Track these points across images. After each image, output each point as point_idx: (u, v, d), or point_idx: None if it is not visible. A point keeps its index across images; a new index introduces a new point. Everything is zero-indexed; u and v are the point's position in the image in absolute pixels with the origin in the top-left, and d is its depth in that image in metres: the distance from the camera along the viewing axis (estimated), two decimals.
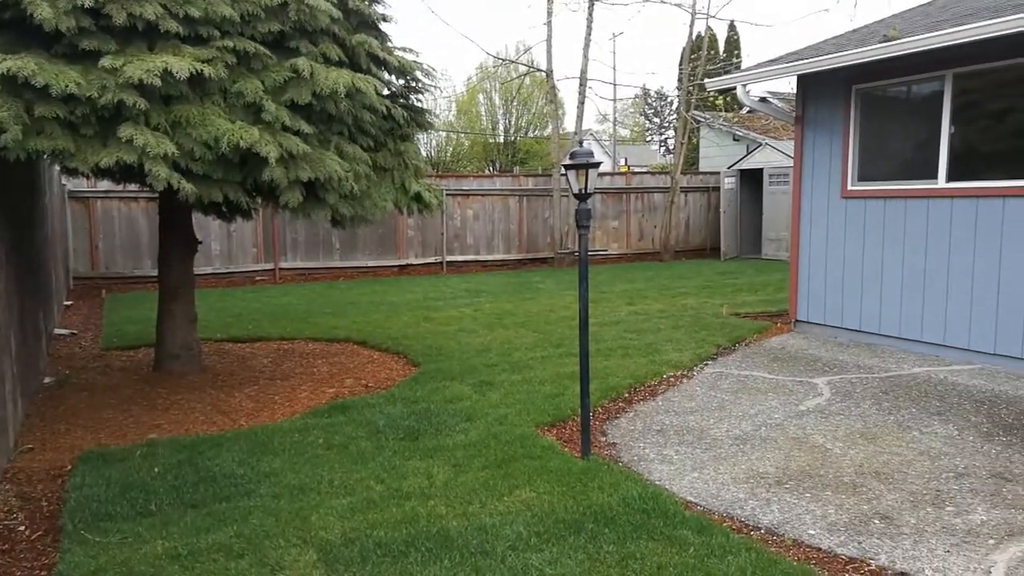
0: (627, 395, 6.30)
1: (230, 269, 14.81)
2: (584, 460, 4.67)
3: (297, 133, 5.26)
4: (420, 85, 6.78)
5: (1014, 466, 4.46)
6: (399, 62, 6.23)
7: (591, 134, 55.73)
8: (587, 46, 17.12)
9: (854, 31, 8.80)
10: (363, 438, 5.10)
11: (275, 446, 4.94)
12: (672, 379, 6.78)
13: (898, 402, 5.82)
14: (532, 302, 11.55)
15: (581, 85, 17.22)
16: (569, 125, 28.39)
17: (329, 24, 5.60)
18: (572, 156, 4.56)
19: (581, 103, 17.30)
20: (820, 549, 3.57)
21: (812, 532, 3.74)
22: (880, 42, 6.84)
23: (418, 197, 6.62)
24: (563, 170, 5.16)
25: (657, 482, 4.45)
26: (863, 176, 7.94)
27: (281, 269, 15.27)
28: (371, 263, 16.14)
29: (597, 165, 4.54)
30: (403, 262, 16.48)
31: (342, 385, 6.68)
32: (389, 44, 6.48)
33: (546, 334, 8.77)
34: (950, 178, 7.07)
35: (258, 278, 15.05)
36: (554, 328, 9.14)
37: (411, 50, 6.66)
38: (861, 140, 7.93)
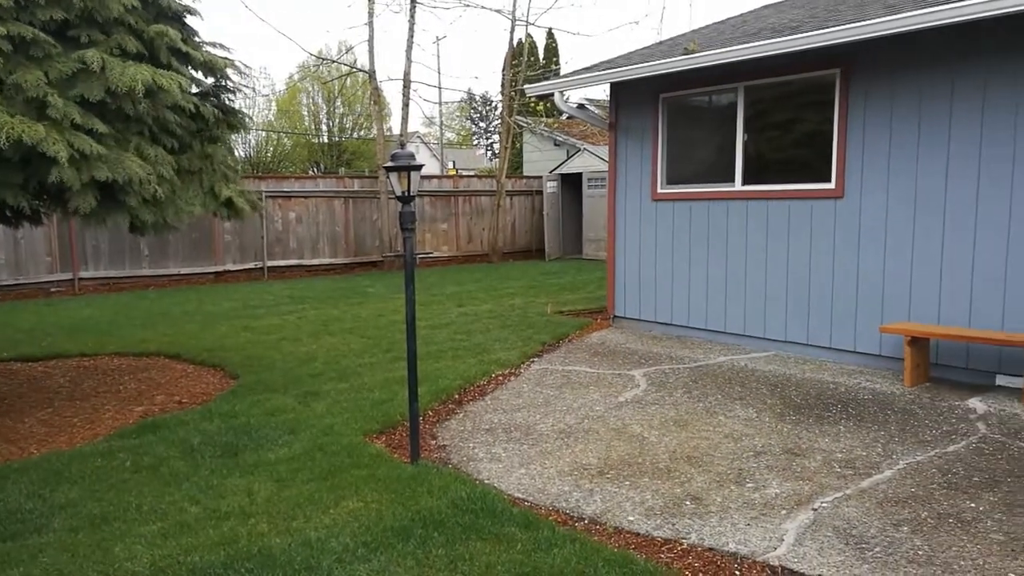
0: (457, 396, 6.34)
1: (19, 281, 13.33)
2: (413, 465, 4.64)
3: (90, 132, 4.82)
4: (232, 84, 6.43)
5: (802, 442, 4.94)
6: (206, 58, 5.87)
7: (418, 137, 55.59)
8: (410, 48, 17.07)
9: (660, 43, 9.40)
10: (176, 458, 4.76)
11: (72, 473, 4.50)
12: (501, 378, 6.90)
13: (706, 390, 6.27)
14: (361, 307, 11.34)
15: (405, 87, 17.14)
16: (396, 127, 28.17)
17: (122, 14, 5.16)
18: (393, 158, 4.51)
19: (405, 105, 17.22)
20: (639, 534, 3.76)
21: (632, 518, 3.93)
22: (681, 55, 7.35)
23: (229, 203, 6.29)
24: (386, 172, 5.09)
25: (486, 481, 4.50)
26: (671, 180, 8.49)
27: (81, 279, 13.96)
28: (185, 270, 15.15)
29: (419, 167, 4.52)
30: (220, 268, 15.61)
31: (152, 402, 6.20)
32: (196, 39, 6.10)
33: (375, 339, 8.64)
34: (745, 181, 7.73)
35: (54, 290, 13.66)
36: (384, 333, 9.02)
37: (222, 46, 6.31)
38: (669, 146, 8.48)
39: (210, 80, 6.28)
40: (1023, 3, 5.13)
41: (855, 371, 6.72)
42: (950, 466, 4.42)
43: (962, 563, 3.31)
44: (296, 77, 34.10)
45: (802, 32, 6.44)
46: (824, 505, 3.95)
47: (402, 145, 4.98)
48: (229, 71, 6.19)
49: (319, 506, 4.02)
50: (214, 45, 6.23)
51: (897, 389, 6.10)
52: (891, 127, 6.57)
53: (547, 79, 10.36)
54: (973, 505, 3.88)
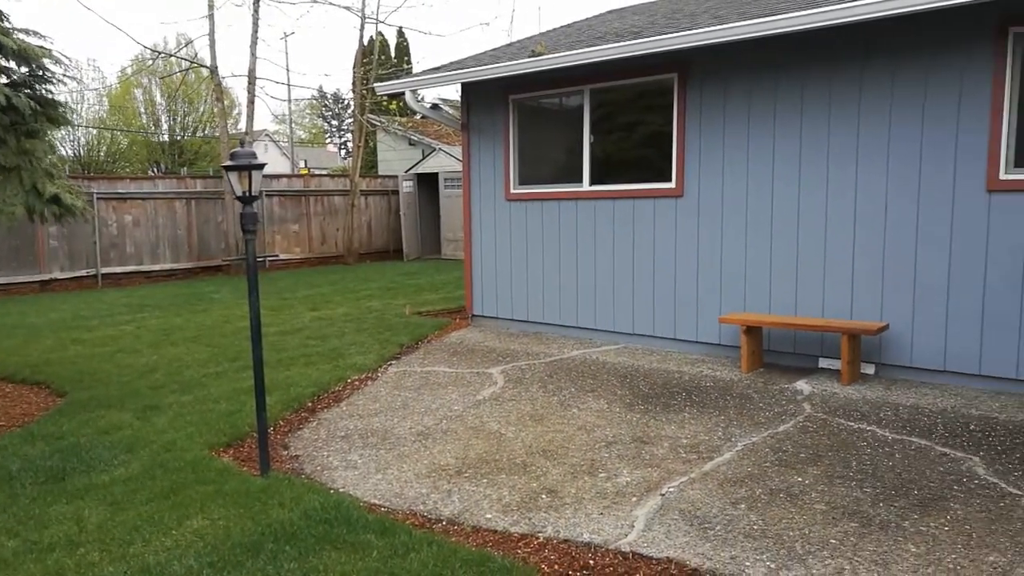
0: (311, 404, 6.14)
1: None
2: (264, 478, 4.44)
3: None
4: (50, 74, 5.91)
5: (650, 430, 5.16)
6: (19, 46, 5.36)
7: (267, 135, 53.51)
8: (255, 43, 16.38)
9: (510, 45, 9.53)
10: None
11: None
12: (357, 383, 6.75)
13: (560, 384, 6.42)
14: (205, 314, 10.76)
15: (250, 84, 16.44)
16: (243, 125, 26.93)
17: None
18: (233, 157, 4.30)
19: (251, 102, 16.53)
20: (496, 531, 3.79)
21: (489, 516, 3.95)
22: (528, 57, 7.49)
23: (56, 200, 5.78)
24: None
25: (341, 489, 4.39)
26: (524, 180, 8.64)
27: None
28: (3, 280, 13.79)
29: (261, 166, 4.33)
30: (46, 277, 14.33)
31: None
32: (6, 24, 5.55)
33: (222, 348, 8.22)
34: (593, 181, 7.99)
35: None
36: (231, 341, 8.60)
37: (37, 33, 5.79)
38: (521, 147, 8.61)
39: (24, 69, 5.74)
40: (824, 21, 5.62)
41: (698, 360, 7.10)
42: (781, 445, 4.77)
43: (791, 533, 3.57)
44: (130, 71, 31.86)
45: (642, 38, 6.73)
46: (671, 490, 4.14)
47: (242, 144, 4.75)
48: (46, 60, 5.69)
49: (160, 528, 3.76)
50: (28, 32, 5.70)
51: (735, 375, 6.50)
52: (724, 129, 7.00)
53: (398, 78, 10.26)
54: (800, 479, 4.20)
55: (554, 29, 9.91)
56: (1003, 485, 4.03)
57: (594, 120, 7.91)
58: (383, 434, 5.34)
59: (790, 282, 6.72)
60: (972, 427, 4.97)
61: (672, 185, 7.38)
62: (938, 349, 5.99)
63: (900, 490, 4.01)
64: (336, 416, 5.84)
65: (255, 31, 16.43)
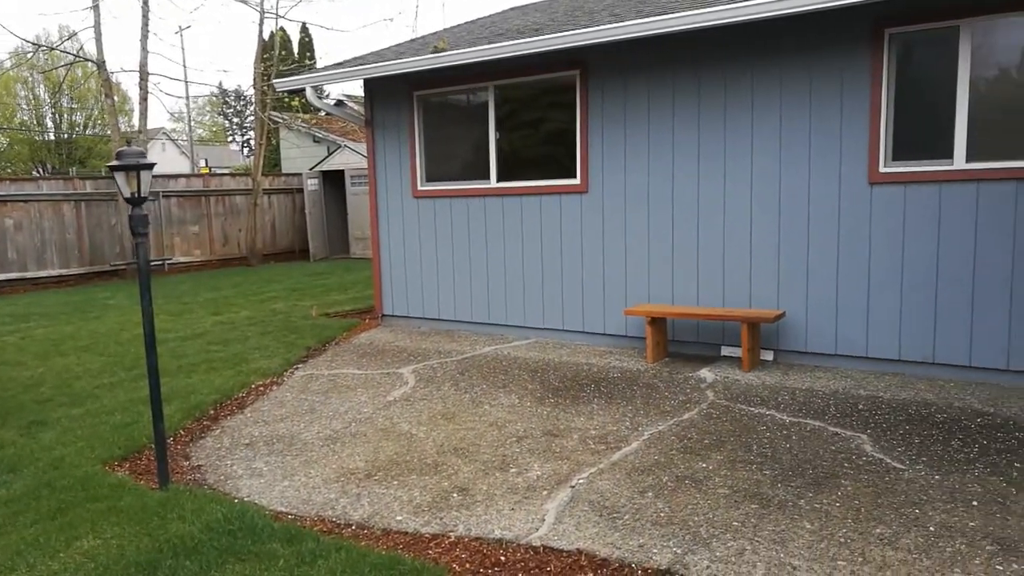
0: (213, 412, 5.92)
1: None
2: (163, 490, 4.25)
3: None
4: None
5: (560, 423, 5.21)
6: None
7: (164, 133, 51.28)
8: (145, 37, 15.64)
9: (412, 40, 9.43)
10: None
11: None
12: (262, 388, 6.55)
13: (472, 381, 6.41)
14: (99, 321, 10.22)
15: (142, 79, 15.69)
16: (137, 122, 25.68)
17: None
18: (119, 156, 4.09)
19: (143, 99, 15.78)
20: (407, 533, 3.74)
21: (400, 518, 3.90)
22: (431, 53, 7.43)
23: None
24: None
25: (246, 498, 4.25)
26: (431, 177, 8.57)
27: None
28: None
29: (150, 166, 4.13)
30: None
31: None
32: None
33: (117, 357, 7.83)
34: (500, 178, 8.00)
35: None
36: (126, 349, 8.20)
37: None
38: (427, 143, 8.54)
39: None
40: (714, 20, 5.81)
41: (606, 352, 7.23)
42: (686, 432, 4.90)
43: (696, 518, 3.67)
44: (8, 65, 29.90)
45: (542, 35, 6.78)
46: (581, 482, 4.19)
47: (129, 143, 4.52)
48: None
49: (46, 551, 3.54)
50: None
51: (642, 366, 6.65)
52: (625, 125, 7.13)
53: (300, 74, 9.99)
54: (704, 465, 4.33)
55: (457, 25, 9.86)
56: (888, 460, 4.27)
57: (500, 117, 7.93)
58: (290, 440, 5.20)
59: (692, 274, 6.92)
60: (860, 407, 5.24)
61: (577, 181, 7.48)
62: (830, 335, 6.29)
63: (796, 470, 4.19)
64: (240, 423, 5.65)
65: (145, 24, 15.69)
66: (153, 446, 4.94)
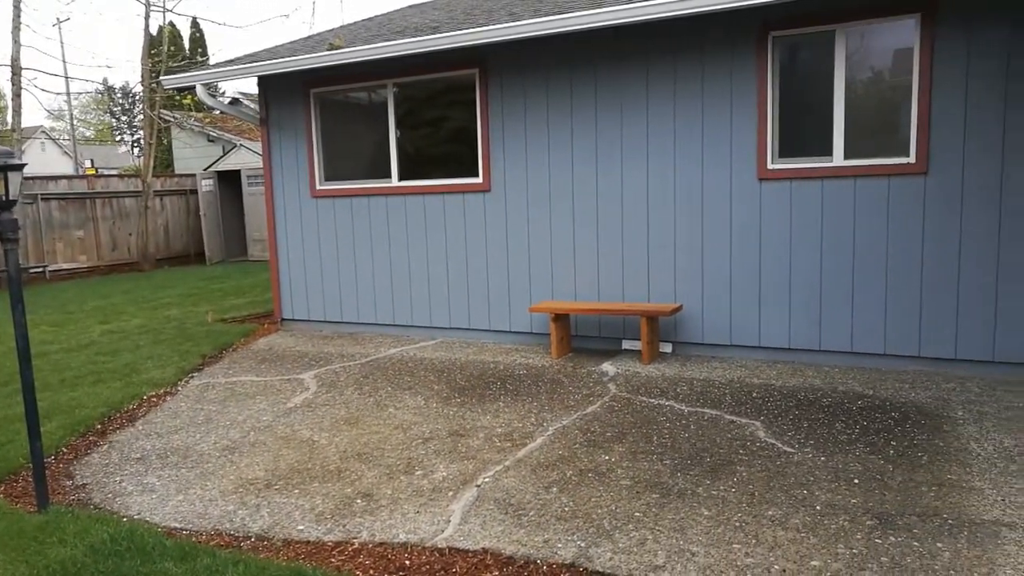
0: (100, 426, 5.61)
1: None
2: (42, 513, 4.00)
3: None
4: None
5: (466, 422, 5.20)
6: None
7: (43, 132, 48.27)
8: (17, 29, 14.66)
9: (308, 37, 9.20)
10: None
11: None
12: (154, 399, 6.25)
13: (377, 384, 6.31)
14: None
15: (14, 75, 14.70)
16: (11, 120, 24.03)
17: None
18: None
19: (17, 95, 14.80)
20: (309, 542, 3.65)
21: (301, 527, 3.80)
22: (326, 50, 7.27)
23: None
24: None
25: (136, 516, 4.04)
26: (330, 176, 8.39)
27: None
28: None
29: (20, 167, 3.87)
30: None
31: None
32: None
33: None
34: (402, 177, 7.91)
35: None
36: (0, 363, 7.66)
37: None
38: (325, 142, 8.35)
39: None
40: (607, 20, 5.93)
41: (512, 349, 7.26)
42: (589, 426, 4.98)
43: (599, 511, 3.73)
44: None
45: (440, 33, 6.74)
46: (486, 480, 4.19)
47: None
48: None
49: None
50: None
51: (547, 362, 6.72)
52: (526, 124, 7.18)
53: (191, 71, 9.58)
54: (607, 458, 4.41)
55: (355, 22, 9.69)
56: (779, 445, 4.46)
57: (400, 115, 7.84)
58: (184, 452, 4.98)
59: (593, 270, 7.03)
60: (754, 395, 5.46)
61: (479, 180, 7.48)
62: (725, 326, 6.52)
63: (695, 459, 4.32)
64: (130, 437, 5.37)
65: (17, 15, 14.70)
66: (32, 466, 4.63)
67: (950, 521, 3.43)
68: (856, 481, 3.89)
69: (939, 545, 3.22)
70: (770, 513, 3.59)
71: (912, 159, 5.77)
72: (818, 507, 3.62)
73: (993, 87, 5.47)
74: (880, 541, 3.28)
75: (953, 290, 5.72)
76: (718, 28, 6.25)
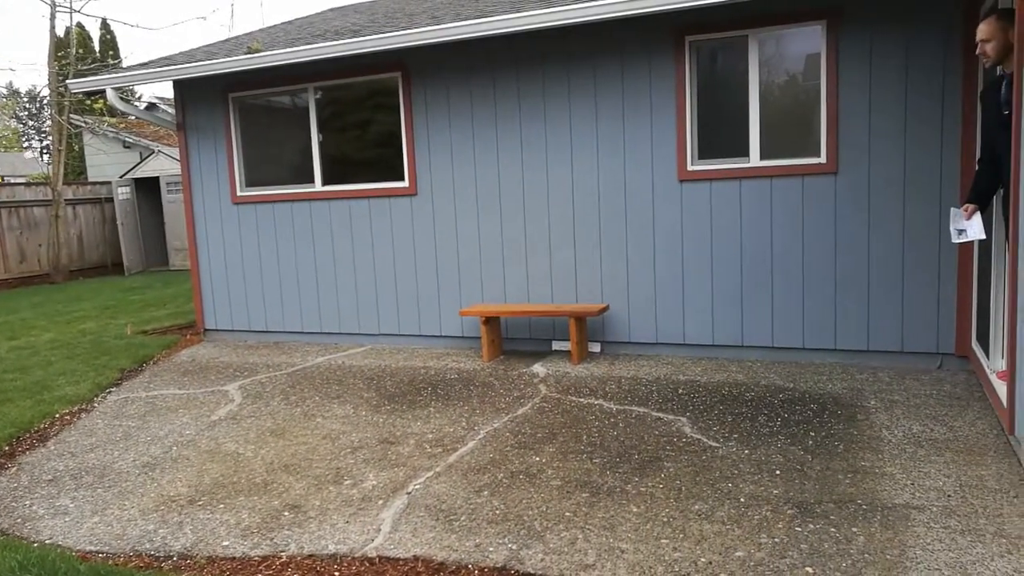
0: (8, 448, 5.33)
1: None
2: None
3: None
4: None
5: (396, 430, 5.15)
6: None
7: None
8: None
9: (227, 40, 8.97)
10: None
11: None
12: (68, 417, 5.98)
13: (304, 394, 6.19)
14: None
15: None
16: None
17: None
18: None
19: None
20: (235, 558, 3.54)
21: (227, 543, 3.69)
22: (245, 53, 7.10)
23: None
24: None
25: (48, 541, 3.85)
26: (251, 182, 8.19)
27: None
28: None
29: None
30: None
31: None
32: None
33: None
34: (325, 182, 7.79)
35: None
36: None
37: None
38: (245, 147, 8.15)
39: None
40: (528, 25, 5.97)
41: (443, 354, 7.23)
42: (520, 428, 5.00)
43: (531, 512, 3.75)
44: None
45: (361, 36, 6.66)
46: (417, 487, 4.16)
47: None
48: None
49: None
50: None
51: (478, 365, 6.71)
52: (450, 127, 7.17)
53: (102, 75, 9.21)
54: (538, 459, 4.43)
55: (274, 25, 9.50)
56: (705, 440, 4.57)
57: (323, 119, 7.72)
58: (101, 471, 4.78)
59: (521, 272, 7.07)
60: (680, 391, 5.58)
61: (405, 184, 7.42)
62: (651, 325, 6.65)
63: (624, 456, 4.38)
64: (42, 458, 5.12)
65: None
66: None
67: (864, 506, 3.58)
68: (778, 472, 4.02)
69: (854, 530, 3.36)
70: (696, 507, 3.67)
71: (823, 159, 6.00)
72: (742, 499, 3.72)
73: (894, 89, 5.74)
74: (800, 529, 3.39)
75: (864, 284, 5.97)
76: (636, 32, 6.37)
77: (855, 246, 5.97)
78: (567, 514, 3.70)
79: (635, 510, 3.69)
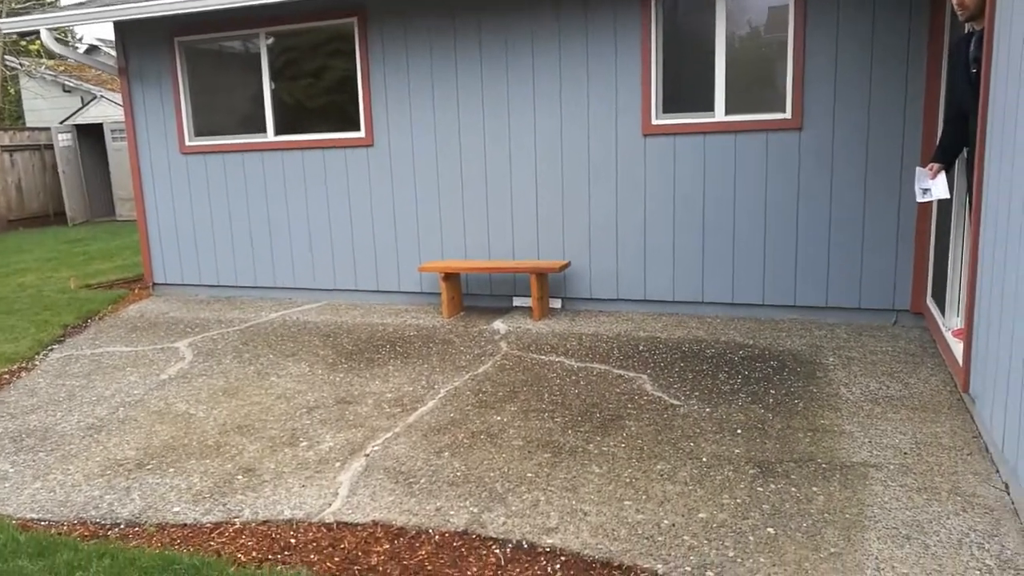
0: None
1: None
2: None
3: None
4: None
5: (354, 388, 5.03)
6: None
7: None
8: None
9: None
10: None
11: None
12: (7, 376, 5.73)
13: (257, 351, 6.02)
14: None
15: None
16: None
17: None
18: None
19: None
20: (186, 525, 3.42)
21: (177, 509, 3.56)
22: None
23: None
24: None
25: None
26: (200, 131, 7.84)
27: None
28: None
29: None
30: None
31: None
32: None
33: None
34: (278, 131, 7.49)
35: None
36: None
37: None
38: (193, 95, 7.78)
39: None
40: None
41: (402, 310, 7.10)
42: (481, 386, 4.92)
43: (492, 474, 3.69)
44: None
45: None
46: (375, 449, 4.07)
47: None
48: None
49: None
50: None
51: (438, 322, 6.60)
52: (408, 75, 6.91)
53: (35, 14, 8.66)
54: (499, 418, 4.37)
55: None
56: (666, 398, 4.55)
57: (276, 67, 7.38)
58: (43, 433, 4.59)
59: (482, 228, 6.92)
60: (641, 348, 5.56)
61: (362, 135, 7.17)
62: (611, 281, 6.59)
63: (585, 415, 4.35)
64: None
65: None
66: None
67: (824, 465, 3.59)
68: (739, 431, 4.02)
69: (814, 489, 3.37)
70: (659, 467, 3.65)
71: (788, 115, 5.93)
72: (704, 459, 3.71)
73: (861, 44, 5.66)
74: (761, 489, 3.39)
75: (824, 241, 5.98)
76: None
77: (817, 203, 5.96)
78: (529, 475, 3.65)
79: (597, 471, 3.66)
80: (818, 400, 4.41)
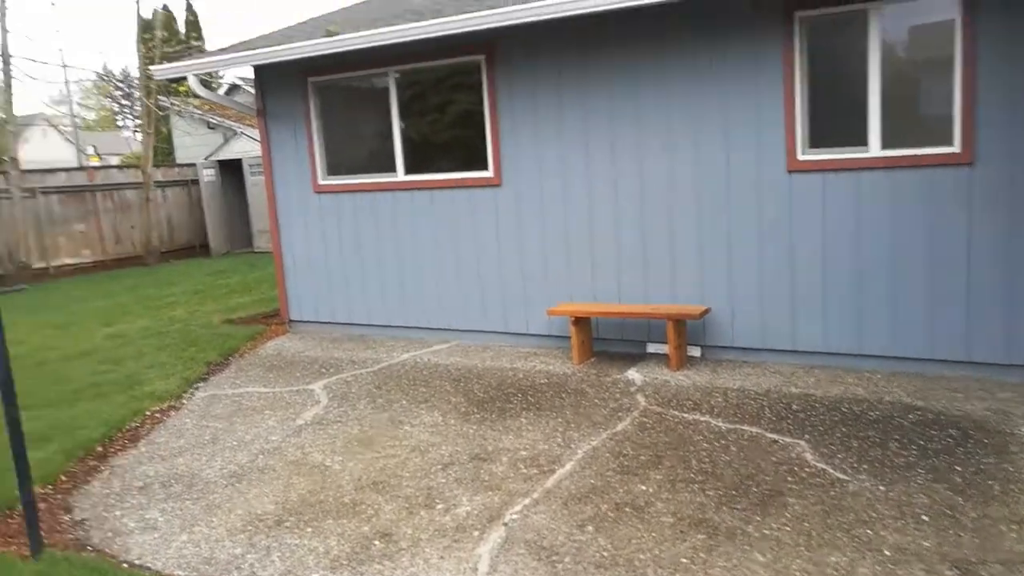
0: (101, 449, 5.32)
1: None
2: (36, 559, 3.71)
3: None
4: None
5: (487, 443, 4.87)
6: None
7: (44, 119, 47.80)
8: (3, 15, 14.23)
9: (304, 23, 8.77)
10: None
11: None
12: (158, 415, 5.96)
13: (391, 396, 5.98)
14: None
15: (4, 63, 14.31)
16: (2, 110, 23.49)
17: None
18: None
19: (8, 85, 14.40)
20: None
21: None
22: (323, 37, 6.85)
23: None
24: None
25: (137, 561, 3.74)
26: (333, 170, 8.01)
27: None
28: None
29: None
30: None
31: None
32: None
33: None
34: (408, 171, 7.52)
35: None
36: None
37: None
38: (326, 134, 7.96)
39: None
40: (620, 3, 5.48)
41: (530, 354, 6.91)
42: (620, 447, 4.63)
43: (642, 556, 3.40)
44: None
45: (444, 16, 6.30)
46: (514, 517, 3.86)
47: None
48: None
49: None
50: None
51: (568, 368, 6.37)
52: (537, 114, 6.76)
53: (186, 58, 9.18)
54: (644, 488, 4.07)
55: (353, 5, 9.26)
56: (830, 471, 4.11)
57: (404, 105, 7.43)
58: (189, 479, 4.67)
59: (612, 269, 6.65)
60: (795, 407, 5.10)
61: (490, 174, 7.08)
62: (756, 328, 6.15)
63: (740, 488, 3.98)
64: (133, 461, 5.08)
65: (2, 1, 14.28)
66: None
67: None
68: (924, 518, 3.54)
69: None
70: (833, 559, 3.25)
71: (956, 148, 5.35)
72: (887, 552, 3.28)
73: None
74: None
75: (1003, 291, 5.33)
76: (739, 7, 5.81)
77: (992, 248, 5.32)
78: (683, 560, 3.34)
79: (761, 559, 3.30)
80: (1018, 483, 3.84)
